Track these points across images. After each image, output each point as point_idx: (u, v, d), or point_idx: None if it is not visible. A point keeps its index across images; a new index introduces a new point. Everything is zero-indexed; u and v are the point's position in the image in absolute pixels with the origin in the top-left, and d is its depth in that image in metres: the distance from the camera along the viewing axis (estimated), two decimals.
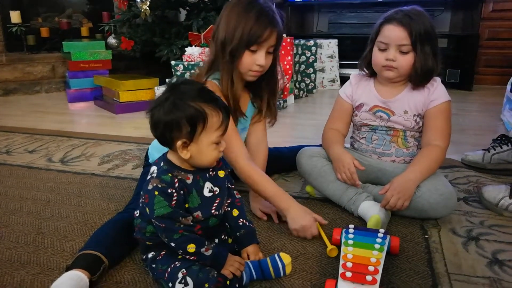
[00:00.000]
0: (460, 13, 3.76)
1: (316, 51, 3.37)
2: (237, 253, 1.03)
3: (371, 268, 0.92)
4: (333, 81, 3.69)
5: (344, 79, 3.66)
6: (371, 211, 1.23)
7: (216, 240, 1.03)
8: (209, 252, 0.93)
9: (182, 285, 0.88)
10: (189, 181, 0.95)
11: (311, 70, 3.38)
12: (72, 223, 1.29)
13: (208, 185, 0.98)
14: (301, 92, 3.34)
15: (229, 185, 1.06)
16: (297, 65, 3.28)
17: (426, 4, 3.58)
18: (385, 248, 1.01)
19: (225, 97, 1.20)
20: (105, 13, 3.67)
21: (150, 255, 0.98)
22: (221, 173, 1.02)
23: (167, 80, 2.83)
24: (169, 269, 0.91)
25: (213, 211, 0.99)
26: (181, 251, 0.92)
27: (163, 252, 0.96)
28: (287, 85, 2.99)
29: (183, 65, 2.57)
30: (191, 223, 0.94)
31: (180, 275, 0.89)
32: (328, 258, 1.09)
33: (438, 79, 1.33)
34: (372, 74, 1.39)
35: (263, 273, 0.98)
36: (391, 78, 1.31)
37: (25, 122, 2.60)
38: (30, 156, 1.93)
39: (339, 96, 1.45)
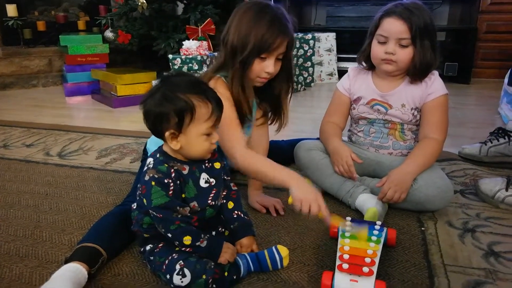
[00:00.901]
0: (458, 6, 3.76)
1: (314, 44, 3.36)
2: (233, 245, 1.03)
3: (367, 260, 0.93)
4: (331, 74, 3.69)
5: (342, 73, 3.65)
6: (368, 203, 1.24)
7: (213, 233, 1.04)
8: (204, 244, 0.94)
9: (180, 277, 0.88)
10: (185, 172, 0.95)
11: (309, 63, 3.38)
12: (70, 216, 1.29)
13: (204, 176, 0.99)
14: (299, 85, 3.34)
15: (225, 177, 1.07)
16: (295, 58, 3.27)
17: None
18: (382, 240, 1.02)
19: (235, 100, 1.19)
20: (101, 7, 3.65)
21: (147, 247, 0.98)
22: (217, 165, 1.03)
23: (164, 74, 2.83)
24: (166, 261, 0.92)
25: (209, 201, 0.99)
26: (177, 243, 0.93)
27: (161, 245, 0.97)
28: None
29: (181, 58, 2.57)
30: (188, 214, 0.95)
31: (177, 266, 0.89)
32: (325, 250, 1.09)
33: (436, 73, 1.33)
34: (371, 67, 1.39)
35: (260, 265, 0.99)
36: (390, 72, 1.31)
37: (22, 116, 2.60)
38: (27, 150, 1.93)
39: (337, 89, 1.45)
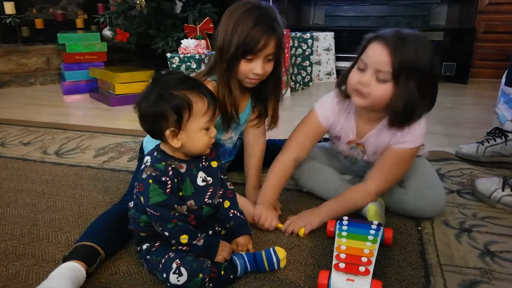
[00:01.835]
0: (456, 6, 3.77)
1: (312, 43, 3.36)
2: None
3: (364, 259, 0.93)
4: (329, 74, 3.69)
5: (340, 72, 3.66)
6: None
7: (210, 232, 1.04)
8: (201, 242, 0.94)
9: (176, 276, 0.88)
10: (182, 170, 0.96)
11: (307, 63, 3.38)
12: (67, 215, 1.29)
13: (201, 174, 0.99)
14: (297, 85, 3.34)
15: (222, 175, 1.07)
16: (293, 58, 3.27)
17: None
18: (379, 239, 1.02)
19: (221, 102, 1.18)
20: (100, 5, 3.65)
21: (144, 246, 0.98)
22: (214, 164, 1.03)
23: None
24: (163, 260, 0.92)
25: (206, 199, 0.99)
26: (174, 241, 0.93)
27: (157, 244, 0.97)
28: (283, 78, 2.98)
29: (179, 57, 2.56)
30: (186, 213, 0.95)
31: (174, 265, 0.89)
32: (322, 250, 1.10)
33: (422, 121, 1.13)
34: (348, 96, 1.19)
35: (257, 265, 0.99)
36: (360, 106, 1.13)
37: (20, 114, 2.59)
38: (25, 149, 1.93)
39: (317, 116, 1.26)
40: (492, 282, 0.97)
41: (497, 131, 1.74)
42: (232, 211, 1.07)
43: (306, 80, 3.43)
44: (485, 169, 1.64)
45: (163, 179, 0.91)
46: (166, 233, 0.92)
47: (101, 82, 3.09)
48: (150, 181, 0.91)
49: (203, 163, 1.01)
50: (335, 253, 0.97)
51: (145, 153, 1.36)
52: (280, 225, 1.18)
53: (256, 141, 1.40)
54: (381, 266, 1.02)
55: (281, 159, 1.29)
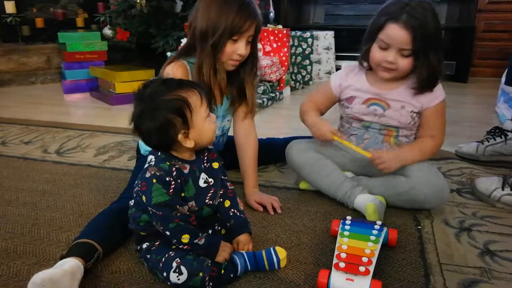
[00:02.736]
0: (456, 4, 3.76)
1: (312, 42, 3.36)
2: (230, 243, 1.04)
3: (364, 259, 0.93)
4: (329, 73, 3.69)
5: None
6: (366, 201, 1.24)
7: (210, 231, 1.04)
8: (202, 242, 0.94)
9: (177, 275, 0.89)
10: (186, 171, 0.96)
11: (307, 62, 3.38)
12: (68, 213, 1.29)
13: (203, 175, 0.99)
14: (297, 84, 3.34)
15: (222, 176, 1.07)
16: (293, 56, 3.28)
17: None
18: (381, 240, 1.02)
19: (205, 85, 1.21)
20: (100, 4, 3.65)
21: (144, 245, 0.98)
22: (215, 165, 1.04)
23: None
24: (163, 259, 0.92)
25: (207, 200, 1.00)
26: (175, 241, 0.93)
27: (157, 243, 0.97)
28: (283, 77, 2.99)
29: None
30: (187, 213, 0.95)
31: (174, 264, 0.90)
32: (322, 249, 1.10)
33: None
34: (371, 69, 1.34)
35: (257, 265, 0.99)
36: (387, 79, 1.29)
37: (20, 113, 2.59)
38: (25, 147, 1.93)
39: (330, 81, 1.42)
40: (491, 281, 0.97)
41: (497, 130, 1.75)
42: (232, 210, 1.07)
43: (306, 79, 3.43)
44: (485, 168, 1.64)
45: (167, 179, 0.91)
46: (168, 233, 0.92)
47: (102, 81, 3.09)
48: (154, 180, 0.91)
49: (205, 164, 1.01)
50: (336, 253, 0.97)
51: (142, 152, 1.38)
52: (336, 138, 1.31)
53: (247, 140, 1.38)
54: (381, 265, 1.02)
55: (305, 105, 1.44)
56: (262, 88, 2.76)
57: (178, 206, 0.93)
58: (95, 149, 1.90)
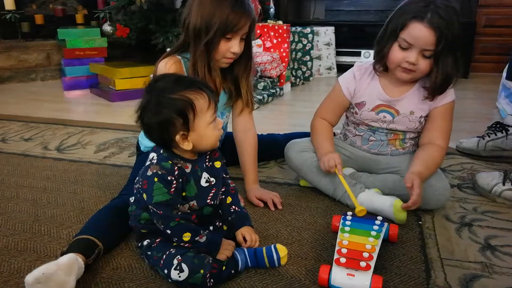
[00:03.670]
0: None
1: (312, 38, 3.35)
2: (232, 240, 1.03)
3: (365, 255, 0.93)
4: (329, 68, 3.68)
5: (341, 67, 3.66)
6: (379, 200, 1.22)
7: (211, 227, 1.04)
8: (203, 239, 0.94)
9: (178, 272, 0.88)
10: (187, 170, 0.95)
11: (307, 57, 3.37)
12: (68, 210, 1.29)
13: (205, 175, 0.99)
14: (298, 79, 3.33)
15: (224, 175, 1.07)
16: (294, 52, 3.27)
17: None
18: (382, 235, 1.02)
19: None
20: (99, 0, 3.63)
21: (145, 242, 0.98)
22: (218, 164, 1.03)
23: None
24: (164, 256, 0.92)
25: (208, 201, 0.99)
26: (176, 239, 0.93)
27: (158, 240, 0.97)
28: (284, 72, 2.98)
29: None
30: (188, 211, 0.95)
31: (175, 261, 0.90)
32: (323, 244, 1.10)
33: None
34: (386, 70, 1.28)
35: (257, 262, 0.99)
36: (405, 80, 1.23)
37: (20, 110, 2.59)
38: (26, 144, 1.93)
39: (340, 86, 1.34)
40: (492, 276, 0.97)
41: (498, 125, 1.74)
42: (233, 207, 1.07)
43: (306, 75, 3.42)
44: (485, 164, 1.64)
45: (169, 178, 0.91)
46: (169, 231, 0.92)
47: (102, 77, 3.08)
48: (156, 179, 0.90)
49: (207, 163, 1.01)
50: (337, 248, 0.97)
51: (142, 148, 1.37)
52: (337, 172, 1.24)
53: (246, 136, 1.37)
54: (382, 260, 1.02)
55: (317, 122, 1.39)
56: (262, 84, 2.76)
57: (179, 205, 0.93)
58: (96, 146, 1.90)
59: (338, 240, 1.00)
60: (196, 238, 0.93)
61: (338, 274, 0.90)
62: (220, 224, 1.06)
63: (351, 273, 0.90)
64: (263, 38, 3.02)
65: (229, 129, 1.46)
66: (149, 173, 0.91)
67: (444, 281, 0.95)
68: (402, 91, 1.27)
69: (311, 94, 3.09)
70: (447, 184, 1.24)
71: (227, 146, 1.44)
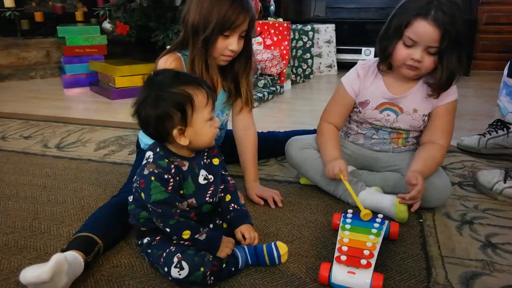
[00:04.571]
0: None
1: (313, 36, 3.35)
2: (231, 237, 1.03)
3: (366, 252, 0.93)
4: (330, 66, 3.68)
5: (341, 65, 3.65)
6: (375, 198, 1.22)
7: (211, 225, 1.04)
8: (203, 237, 0.94)
9: (178, 270, 0.88)
10: (184, 168, 0.95)
11: (308, 55, 3.36)
12: (68, 208, 1.29)
13: (203, 172, 0.99)
14: (298, 77, 3.33)
15: (223, 172, 1.07)
16: (294, 50, 3.26)
17: None
18: (382, 233, 1.02)
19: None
20: None
21: (145, 240, 0.98)
22: (216, 161, 1.03)
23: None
24: (164, 254, 0.92)
25: (207, 198, 0.99)
26: (175, 237, 0.93)
27: (158, 238, 0.97)
28: (284, 70, 2.98)
29: None
30: (187, 209, 0.95)
31: (175, 259, 0.89)
32: (324, 242, 1.10)
33: None
34: (390, 68, 1.27)
35: (258, 259, 0.99)
36: (410, 77, 1.23)
37: (20, 108, 2.59)
38: (26, 142, 1.93)
39: (343, 87, 1.33)
40: (493, 274, 0.97)
41: (499, 123, 1.74)
42: (232, 205, 1.06)
43: (306, 72, 3.42)
44: (486, 161, 1.64)
45: (165, 176, 0.90)
46: (168, 229, 0.92)
47: (101, 75, 3.08)
48: (152, 178, 0.90)
49: (205, 161, 1.00)
50: (337, 246, 0.97)
51: (142, 146, 1.37)
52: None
53: (246, 135, 1.37)
54: (383, 258, 1.02)
55: (323, 126, 1.36)
56: (262, 81, 2.75)
57: (177, 203, 0.92)
58: (95, 144, 1.89)
59: (338, 238, 1.00)
60: (195, 236, 0.93)
61: (338, 272, 0.90)
62: (220, 222, 1.06)
63: (352, 271, 0.89)
64: (263, 36, 3.01)
65: (229, 127, 1.45)
66: (146, 172, 0.91)
67: (444, 279, 0.95)
68: (406, 88, 1.27)
69: (311, 92, 3.09)
70: (448, 182, 1.24)
71: (227, 144, 1.43)
